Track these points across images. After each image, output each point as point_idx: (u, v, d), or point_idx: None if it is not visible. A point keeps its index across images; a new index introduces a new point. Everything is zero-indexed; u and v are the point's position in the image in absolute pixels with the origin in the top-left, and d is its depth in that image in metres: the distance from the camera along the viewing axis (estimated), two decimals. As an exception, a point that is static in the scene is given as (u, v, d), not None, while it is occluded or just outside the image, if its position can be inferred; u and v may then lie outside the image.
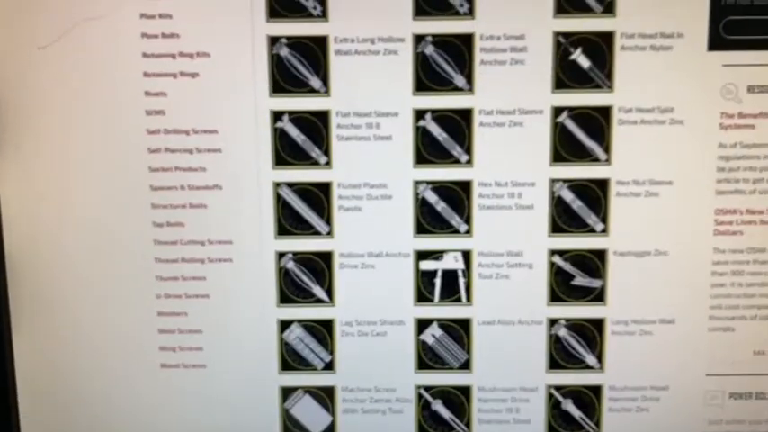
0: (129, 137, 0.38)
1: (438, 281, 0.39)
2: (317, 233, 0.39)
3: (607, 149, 0.38)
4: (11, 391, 0.40)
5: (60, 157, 0.38)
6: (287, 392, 0.40)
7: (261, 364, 0.40)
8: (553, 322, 0.39)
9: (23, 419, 0.40)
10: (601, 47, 0.37)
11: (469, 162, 0.38)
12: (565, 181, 0.38)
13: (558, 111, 0.37)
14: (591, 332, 0.39)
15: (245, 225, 0.39)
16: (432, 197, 0.38)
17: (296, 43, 0.37)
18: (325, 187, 0.38)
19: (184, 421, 0.40)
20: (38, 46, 0.37)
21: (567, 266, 0.39)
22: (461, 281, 0.39)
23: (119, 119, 0.37)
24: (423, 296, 0.39)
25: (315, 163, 0.38)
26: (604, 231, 0.38)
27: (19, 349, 0.40)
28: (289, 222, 0.39)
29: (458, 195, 0.38)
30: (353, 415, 0.40)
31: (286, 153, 0.38)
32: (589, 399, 0.40)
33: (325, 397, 0.40)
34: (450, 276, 0.39)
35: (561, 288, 0.39)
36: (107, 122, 0.38)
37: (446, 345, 0.40)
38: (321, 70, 0.37)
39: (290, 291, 0.39)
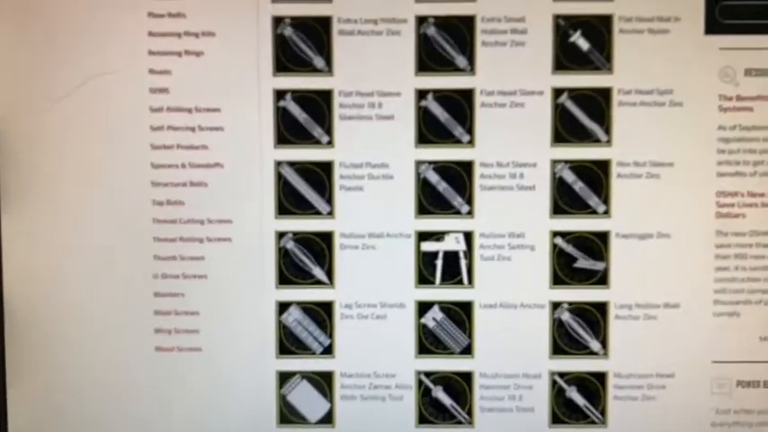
0: (131, 112, 0.39)
1: (439, 262, 0.40)
2: (317, 213, 0.40)
3: (607, 130, 0.39)
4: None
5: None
6: (284, 378, 0.40)
7: (258, 347, 0.40)
8: (556, 306, 0.40)
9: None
10: (600, 30, 0.39)
11: (471, 142, 0.39)
12: (566, 162, 0.39)
13: (558, 92, 0.39)
14: (594, 316, 0.40)
15: (245, 204, 0.40)
16: (433, 177, 0.39)
17: (300, 23, 0.39)
18: (326, 167, 0.39)
19: (178, 406, 0.40)
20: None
21: (570, 248, 0.40)
22: (463, 263, 0.40)
23: (122, 96, 0.39)
24: (424, 278, 0.40)
25: (317, 142, 0.39)
26: (606, 213, 0.40)
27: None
28: (289, 202, 0.40)
29: (459, 176, 0.39)
30: (352, 402, 0.41)
31: (288, 132, 0.39)
32: (594, 386, 0.40)
33: (323, 383, 0.41)
34: (451, 258, 0.40)
35: (564, 271, 0.40)
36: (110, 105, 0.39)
37: (447, 329, 0.40)
38: (324, 50, 0.39)
39: (289, 272, 0.40)
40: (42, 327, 0.41)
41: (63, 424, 0.41)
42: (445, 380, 0.41)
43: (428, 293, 0.40)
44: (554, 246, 0.40)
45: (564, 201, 0.40)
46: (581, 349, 0.40)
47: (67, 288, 0.40)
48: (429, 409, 0.41)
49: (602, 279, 0.40)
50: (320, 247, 0.40)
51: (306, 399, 0.41)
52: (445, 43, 0.39)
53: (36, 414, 0.41)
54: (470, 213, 0.40)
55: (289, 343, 0.41)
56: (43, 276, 0.40)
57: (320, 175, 0.40)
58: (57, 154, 0.40)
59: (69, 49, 0.39)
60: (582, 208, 0.40)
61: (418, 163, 0.40)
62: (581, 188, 0.40)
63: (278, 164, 0.40)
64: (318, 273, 0.40)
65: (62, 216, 0.40)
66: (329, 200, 0.40)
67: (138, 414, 0.41)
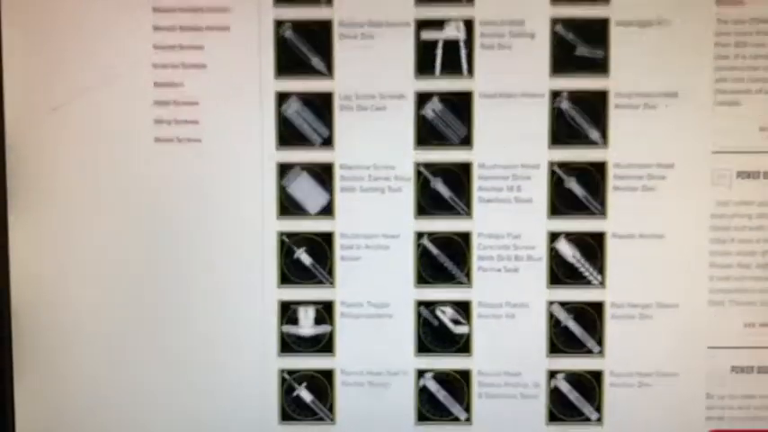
0: None
1: (439, 52, 0.41)
2: (316, 0, 0.40)
3: None
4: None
5: None
6: (284, 169, 0.41)
7: (258, 139, 0.41)
8: (556, 95, 0.41)
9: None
10: None
11: (470, -73, 0.40)
12: (566, -53, 0.40)
13: None
14: (593, 105, 0.41)
15: (243, -8, 0.40)
16: (432, -36, 0.40)
17: None
18: (325, -47, 0.40)
19: (177, 198, 0.41)
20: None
21: (570, 36, 0.40)
22: (463, 52, 0.40)
23: None
24: (423, 68, 0.41)
25: (315, -72, 0.40)
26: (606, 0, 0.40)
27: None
28: (288, -10, 0.40)
29: (459, -38, 0.40)
30: (352, 193, 0.42)
31: None
32: (593, 177, 0.41)
33: (322, 174, 0.41)
34: (451, 47, 0.40)
35: (564, 59, 0.40)
36: None
37: (446, 120, 0.41)
38: None
39: (288, 61, 0.41)
40: (48, 325, 0.42)
41: (69, 418, 0.43)
42: (444, 171, 0.42)
43: (427, 84, 0.41)
44: (554, 33, 0.41)
45: (564, -13, 0.41)
46: (580, 139, 0.41)
47: (73, 287, 0.42)
48: (428, 201, 0.42)
49: (601, 68, 0.41)
50: (319, 36, 0.41)
51: (306, 190, 0.42)
52: None
53: (42, 409, 0.43)
54: (470, 0, 0.41)
55: (288, 135, 0.41)
56: (50, 276, 0.42)
57: (319, -37, 0.41)
58: (64, 155, 0.41)
59: (76, 55, 0.41)
60: (582, -6, 0.41)
61: (417, -51, 0.41)
62: (581, -26, 0.41)
63: (276, -50, 0.41)
64: (317, 63, 0.41)
65: (69, 216, 0.42)
66: (328, -12, 0.41)
67: (132, 201, 0.42)
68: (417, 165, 0.42)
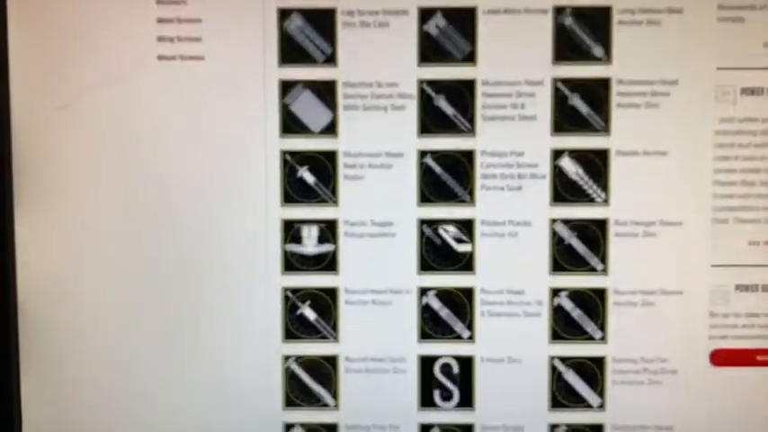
0: None
1: (442, -32, 0.41)
2: None
3: None
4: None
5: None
6: (286, 87, 0.41)
7: (260, 56, 0.41)
8: (559, 11, 0.41)
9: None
10: None
11: None
12: None
13: None
14: (597, 22, 0.41)
15: None
16: None
17: None
18: None
19: (182, 116, 0.42)
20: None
21: (573, -49, 0.40)
22: (465, -33, 0.41)
23: None
24: (426, -15, 0.41)
25: None
26: None
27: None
28: None
29: None
30: (355, 111, 0.42)
31: None
32: (596, 94, 0.41)
33: (325, 92, 0.41)
34: (453, -37, 0.41)
35: (567, -25, 0.41)
36: None
37: (450, 36, 0.41)
38: None
39: (290, -22, 0.41)
40: (54, 321, 0.43)
41: (76, 413, 0.43)
42: (447, 88, 0.42)
43: (431, 1, 0.41)
44: (557, -52, 0.41)
45: None
46: (584, 55, 0.41)
47: (79, 283, 0.42)
48: (431, 119, 0.42)
49: (605, -16, 0.41)
50: (322, -48, 0.41)
51: (308, 108, 0.42)
52: None
53: (48, 404, 0.43)
54: None
55: (291, 51, 0.42)
56: (56, 273, 0.42)
57: None
58: (70, 156, 0.42)
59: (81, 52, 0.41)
60: None
61: None
62: None
63: None
64: (320, -20, 0.41)
65: (74, 211, 0.42)
66: None
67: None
68: (420, 82, 0.42)
